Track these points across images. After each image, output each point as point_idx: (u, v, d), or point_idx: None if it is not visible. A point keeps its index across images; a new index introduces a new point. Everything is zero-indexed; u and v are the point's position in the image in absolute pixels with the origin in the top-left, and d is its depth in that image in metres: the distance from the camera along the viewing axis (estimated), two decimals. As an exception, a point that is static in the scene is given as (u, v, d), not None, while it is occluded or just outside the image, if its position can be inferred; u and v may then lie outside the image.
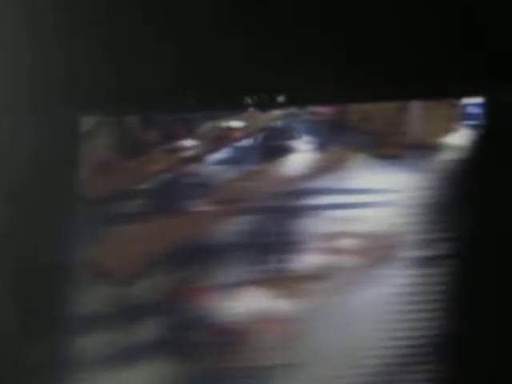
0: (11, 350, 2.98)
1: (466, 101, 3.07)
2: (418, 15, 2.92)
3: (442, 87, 2.98)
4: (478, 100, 3.03)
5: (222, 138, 3.21)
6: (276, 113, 3.19)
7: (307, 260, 3.04)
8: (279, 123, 3.19)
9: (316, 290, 3.01)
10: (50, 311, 3.00)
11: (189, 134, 3.21)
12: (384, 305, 2.96)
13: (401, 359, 2.93)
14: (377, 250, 3.02)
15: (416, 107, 3.11)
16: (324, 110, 3.16)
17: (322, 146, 3.16)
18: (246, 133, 3.22)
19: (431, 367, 2.91)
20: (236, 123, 3.20)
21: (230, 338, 3.00)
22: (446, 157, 3.05)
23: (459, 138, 3.06)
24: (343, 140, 3.15)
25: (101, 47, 3.02)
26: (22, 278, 3.01)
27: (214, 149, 3.20)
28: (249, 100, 3.11)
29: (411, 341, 2.93)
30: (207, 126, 3.21)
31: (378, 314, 2.96)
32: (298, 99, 3.10)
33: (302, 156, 3.16)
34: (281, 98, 3.11)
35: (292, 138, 3.17)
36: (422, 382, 2.92)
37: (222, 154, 3.20)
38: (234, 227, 3.11)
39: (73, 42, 3.01)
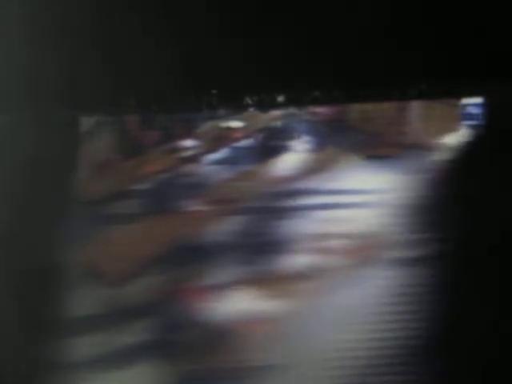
0: (7, 350, 2.98)
1: (465, 101, 3.07)
2: (418, 16, 2.93)
3: (442, 87, 2.98)
4: (478, 100, 3.04)
5: (222, 138, 3.21)
6: (276, 113, 3.19)
7: (298, 260, 3.03)
8: (279, 123, 3.19)
9: (306, 290, 3.00)
10: (46, 312, 3.00)
11: (189, 134, 3.20)
12: (372, 305, 2.96)
13: (387, 359, 2.93)
14: (366, 251, 3.01)
15: (416, 107, 3.11)
16: (324, 110, 3.16)
17: (320, 146, 3.15)
18: (245, 133, 3.21)
19: (417, 367, 2.91)
20: (236, 123, 3.20)
21: (221, 338, 3.00)
22: (444, 156, 3.05)
23: (459, 138, 3.06)
24: (342, 140, 3.14)
25: (101, 48, 3.02)
26: (19, 277, 3.01)
27: (214, 149, 3.20)
28: (249, 100, 3.12)
29: (398, 341, 2.93)
30: (207, 126, 3.21)
31: (366, 314, 2.96)
32: (297, 99, 3.11)
33: (298, 156, 3.15)
34: (281, 98, 3.12)
35: (291, 138, 3.17)
36: (409, 382, 2.93)
37: (221, 154, 3.20)
38: (227, 227, 3.10)
39: (73, 43, 3.02)
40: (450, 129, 3.09)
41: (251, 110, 3.15)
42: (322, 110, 3.17)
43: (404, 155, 3.09)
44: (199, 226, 3.12)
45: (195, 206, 3.14)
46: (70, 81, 3.01)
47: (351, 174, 3.12)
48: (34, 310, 2.99)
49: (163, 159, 3.20)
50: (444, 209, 2.98)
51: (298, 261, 3.05)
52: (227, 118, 3.19)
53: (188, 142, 3.21)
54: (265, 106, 3.13)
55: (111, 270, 3.09)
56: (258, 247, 3.08)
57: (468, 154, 3.02)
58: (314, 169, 3.15)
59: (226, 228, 3.11)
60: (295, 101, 3.10)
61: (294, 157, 3.18)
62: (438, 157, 3.07)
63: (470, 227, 2.91)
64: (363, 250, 3.03)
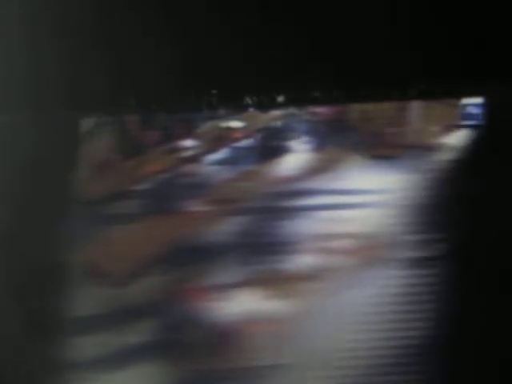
0: (7, 350, 2.98)
1: (465, 101, 3.07)
2: (418, 16, 2.93)
3: (442, 87, 2.98)
4: (478, 100, 3.04)
5: (222, 138, 3.21)
6: (276, 113, 3.19)
7: (301, 260, 3.03)
8: (279, 123, 3.19)
9: (308, 290, 3.00)
10: (47, 312, 3.00)
11: (189, 134, 3.21)
12: (375, 305, 2.96)
13: (391, 359, 2.93)
14: (370, 251, 3.01)
15: (416, 107, 3.12)
16: (323, 110, 3.16)
17: (320, 146, 3.15)
18: (245, 133, 3.22)
19: (421, 368, 2.91)
20: (236, 123, 3.20)
21: (224, 338, 3.00)
22: (444, 156, 3.05)
23: (458, 138, 3.06)
24: (342, 140, 3.14)
25: (101, 48, 3.02)
26: (19, 277, 3.01)
27: (214, 149, 3.20)
28: (249, 100, 3.12)
29: (401, 341, 2.93)
30: (207, 126, 3.21)
31: (370, 314, 2.96)
32: (297, 99, 3.11)
33: (298, 156, 3.16)
34: (281, 98, 3.12)
35: (291, 138, 3.17)
36: (413, 383, 2.93)
37: (221, 154, 3.20)
38: (229, 227, 3.10)
39: (73, 43, 3.02)
40: (450, 129, 3.09)
41: (251, 109, 3.15)
42: (322, 110, 3.17)
43: (404, 155, 3.09)
44: (200, 226, 3.12)
45: (196, 206, 3.14)
46: (70, 81, 3.01)
47: (351, 174, 3.12)
48: (34, 310, 2.99)
49: (163, 159, 3.20)
50: (445, 209, 2.98)
51: (299, 261, 3.05)
52: (227, 117, 3.20)
53: (188, 142, 3.21)
54: (265, 106, 3.13)
55: (112, 270, 3.09)
56: (259, 247, 3.08)
57: (468, 154, 3.02)
58: (313, 169, 3.15)
59: (226, 228, 3.11)
60: (295, 101, 3.10)
61: (294, 157, 3.18)
62: (439, 157, 3.07)
63: (471, 227, 2.91)
64: (365, 250, 3.03)
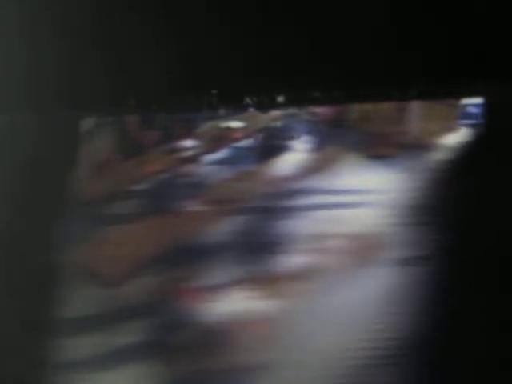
0: (6, 350, 2.98)
1: (465, 101, 3.08)
2: (417, 16, 2.93)
3: (442, 87, 2.99)
4: (478, 100, 3.04)
5: (222, 138, 3.21)
6: (275, 113, 3.19)
7: (295, 260, 3.04)
8: (279, 123, 3.20)
9: (305, 290, 3.00)
10: (45, 312, 3.00)
11: (189, 134, 3.21)
12: (371, 305, 2.96)
13: (386, 359, 2.93)
14: (364, 251, 3.01)
15: (416, 107, 3.12)
16: (323, 110, 3.17)
17: (320, 146, 3.16)
18: (245, 133, 3.22)
19: (419, 367, 2.91)
20: (236, 123, 3.21)
21: (220, 338, 3.00)
22: (444, 156, 3.05)
23: (458, 138, 3.07)
24: (342, 140, 3.15)
25: (101, 48, 3.02)
26: (18, 277, 3.01)
27: (214, 149, 3.20)
28: (249, 100, 3.12)
29: (396, 341, 2.93)
30: (207, 126, 3.22)
31: (366, 314, 2.96)
32: (297, 99, 3.11)
33: (298, 156, 3.16)
34: (281, 98, 3.12)
35: (291, 138, 3.17)
36: (410, 382, 2.93)
37: (221, 154, 3.20)
38: (227, 228, 3.11)
39: (73, 43, 3.02)
40: (449, 129, 3.09)
41: (251, 109, 3.15)
42: (321, 110, 3.17)
43: (404, 155, 3.09)
44: (199, 226, 3.12)
45: (195, 206, 3.14)
46: (70, 81, 3.01)
47: (351, 173, 3.12)
48: (32, 310, 3.00)
49: (163, 159, 3.20)
50: (443, 208, 2.99)
51: (297, 261, 3.05)
52: (227, 117, 3.20)
53: (188, 142, 3.21)
54: (265, 106, 3.13)
55: (110, 270, 3.09)
56: (257, 247, 3.08)
57: (467, 154, 3.03)
58: (313, 169, 3.16)
59: (225, 228, 3.11)
60: (295, 101, 3.10)
61: (293, 157, 3.19)
62: (438, 157, 3.07)
63: (469, 227, 2.92)
64: (362, 250, 3.03)
